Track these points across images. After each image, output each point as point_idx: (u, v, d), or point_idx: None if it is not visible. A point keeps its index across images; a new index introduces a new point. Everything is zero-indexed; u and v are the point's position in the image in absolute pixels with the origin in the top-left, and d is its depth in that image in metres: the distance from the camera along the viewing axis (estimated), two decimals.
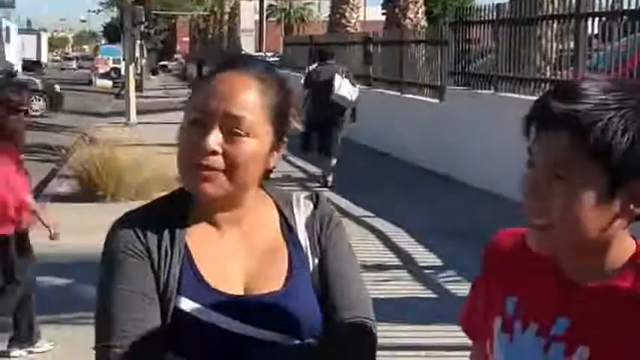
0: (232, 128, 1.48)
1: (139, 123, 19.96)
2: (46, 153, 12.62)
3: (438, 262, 7.36)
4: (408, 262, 7.37)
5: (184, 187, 1.56)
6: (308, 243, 1.61)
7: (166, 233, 1.53)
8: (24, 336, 5.22)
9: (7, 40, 51.52)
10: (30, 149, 14.01)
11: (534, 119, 1.30)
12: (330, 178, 11.09)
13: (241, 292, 1.54)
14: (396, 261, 7.39)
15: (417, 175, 12.36)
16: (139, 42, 26.75)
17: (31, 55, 52.62)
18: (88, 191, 9.98)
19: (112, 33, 69.41)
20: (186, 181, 1.53)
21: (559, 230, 1.27)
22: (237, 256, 1.57)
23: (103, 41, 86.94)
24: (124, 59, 22.11)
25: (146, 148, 11.01)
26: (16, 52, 42.00)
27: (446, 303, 5.92)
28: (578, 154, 1.23)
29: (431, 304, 6.11)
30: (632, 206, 1.27)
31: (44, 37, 73.10)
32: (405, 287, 6.56)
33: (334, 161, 11.12)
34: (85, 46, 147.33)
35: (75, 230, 5.89)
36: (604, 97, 1.25)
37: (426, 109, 13.54)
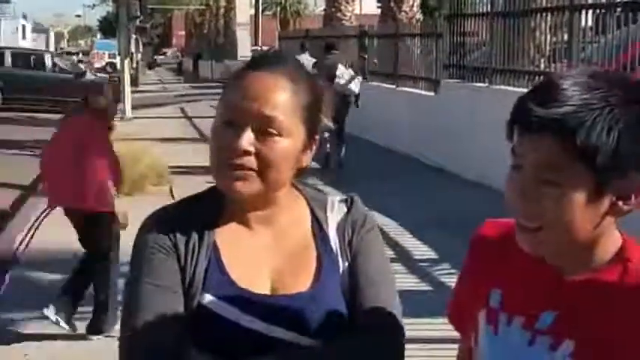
0: (265, 128, 1.49)
1: (135, 117, 19.94)
2: (41, 148, 12.55)
3: (433, 255, 7.38)
4: (402, 256, 7.38)
5: (217, 186, 1.56)
6: (338, 246, 1.60)
7: (195, 230, 1.54)
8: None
9: (24, 37, 52.28)
10: (26, 144, 14.06)
11: (517, 122, 1.27)
12: (342, 154, 11.61)
13: (267, 292, 1.54)
14: (390, 254, 7.40)
15: (412, 168, 12.37)
16: (134, 36, 26.72)
17: None
18: None
19: (108, 27, 69.30)
20: (218, 181, 1.53)
21: (550, 232, 1.27)
22: (266, 255, 1.57)
23: (98, 36, 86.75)
24: (119, 54, 22.02)
25: (141, 143, 11.00)
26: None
27: (441, 296, 5.93)
28: (564, 157, 1.22)
29: (426, 297, 6.13)
30: (620, 203, 1.26)
31: (52, 35, 74.32)
32: (400, 280, 6.56)
33: (344, 148, 11.66)
34: (81, 41, 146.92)
35: (70, 225, 5.86)
36: (586, 96, 1.22)
37: (421, 102, 13.55)
